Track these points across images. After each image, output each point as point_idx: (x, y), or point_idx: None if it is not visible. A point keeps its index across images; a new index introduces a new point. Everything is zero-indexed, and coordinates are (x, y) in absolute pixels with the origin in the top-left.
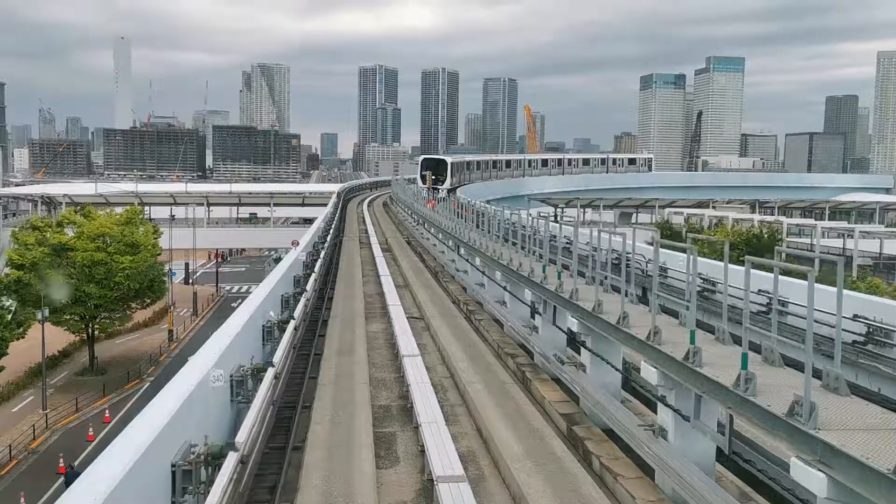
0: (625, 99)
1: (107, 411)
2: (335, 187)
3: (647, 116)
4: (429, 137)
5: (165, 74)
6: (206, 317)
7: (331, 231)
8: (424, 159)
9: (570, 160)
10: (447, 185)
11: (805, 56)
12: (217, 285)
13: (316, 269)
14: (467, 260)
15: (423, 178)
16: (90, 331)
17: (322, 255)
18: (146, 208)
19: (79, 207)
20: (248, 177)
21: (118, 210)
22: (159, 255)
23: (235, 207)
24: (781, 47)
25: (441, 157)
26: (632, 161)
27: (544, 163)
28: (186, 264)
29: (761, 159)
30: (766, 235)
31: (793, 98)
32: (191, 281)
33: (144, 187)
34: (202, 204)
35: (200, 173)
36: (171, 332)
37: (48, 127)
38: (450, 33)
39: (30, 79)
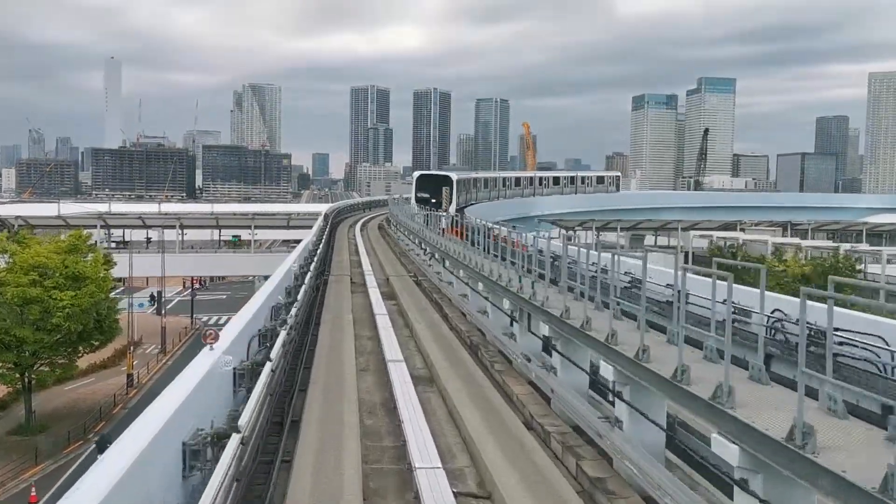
0: (616, 119)
1: (33, 488)
2: (324, 207)
3: (639, 136)
4: (420, 157)
5: (157, 95)
6: (177, 354)
7: (311, 267)
8: (421, 176)
9: (540, 178)
10: (453, 207)
11: (793, 77)
12: (192, 316)
13: (273, 355)
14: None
15: (421, 200)
16: (26, 381)
17: (290, 321)
18: (105, 232)
19: (12, 232)
20: (238, 197)
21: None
22: (114, 288)
23: (216, 230)
24: (770, 69)
25: (444, 172)
26: (600, 180)
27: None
28: (158, 292)
29: (753, 179)
30: (839, 265)
31: (782, 119)
32: (163, 311)
33: (119, 207)
34: (173, 226)
35: (189, 194)
36: (130, 376)
37: (38, 147)
38: (441, 54)
39: (21, 99)
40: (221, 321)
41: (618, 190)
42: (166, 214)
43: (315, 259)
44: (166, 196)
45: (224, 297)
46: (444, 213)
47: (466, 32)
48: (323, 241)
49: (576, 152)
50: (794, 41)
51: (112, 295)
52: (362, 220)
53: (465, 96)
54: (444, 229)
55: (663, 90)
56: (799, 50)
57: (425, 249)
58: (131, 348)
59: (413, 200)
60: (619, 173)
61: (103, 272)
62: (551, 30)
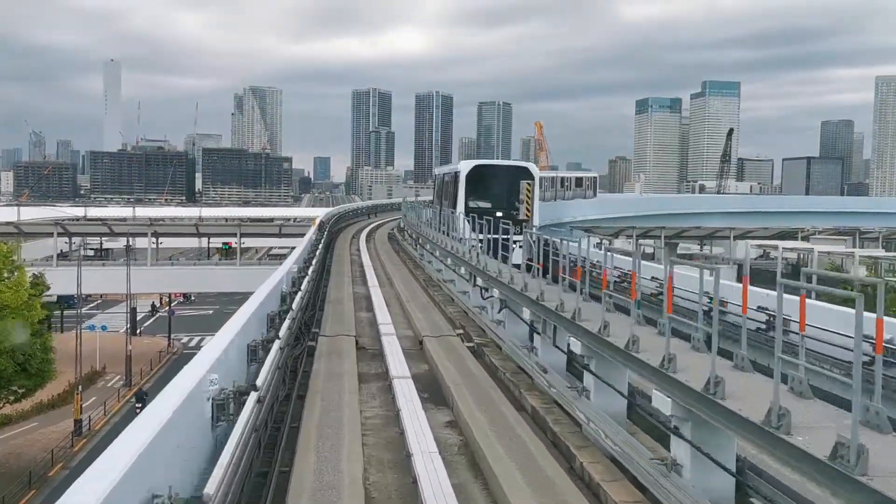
0: (619, 123)
1: None
2: (321, 212)
3: (642, 140)
4: (422, 161)
5: (159, 98)
6: (145, 388)
7: (287, 320)
8: (476, 169)
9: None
10: (536, 219)
11: (797, 81)
12: (169, 337)
13: None
14: None
15: (476, 208)
16: None
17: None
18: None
19: None
20: (238, 200)
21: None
22: (45, 319)
23: (197, 238)
24: (773, 73)
25: (516, 162)
26: (578, 182)
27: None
28: (133, 309)
29: (758, 183)
30: None
31: (785, 123)
32: (138, 331)
33: (97, 212)
34: (145, 234)
35: (189, 197)
36: (78, 422)
37: (39, 150)
38: (444, 58)
39: (23, 102)
40: (204, 342)
41: (595, 194)
42: (139, 220)
43: (302, 291)
44: (165, 199)
45: (210, 311)
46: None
47: (469, 36)
48: (314, 263)
49: (578, 156)
50: (797, 45)
51: (87, 310)
52: (367, 229)
53: (467, 100)
54: (560, 272)
55: (667, 94)
56: (802, 54)
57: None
58: (79, 388)
59: (456, 207)
60: (596, 175)
61: (35, 299)
62: (554, 34)
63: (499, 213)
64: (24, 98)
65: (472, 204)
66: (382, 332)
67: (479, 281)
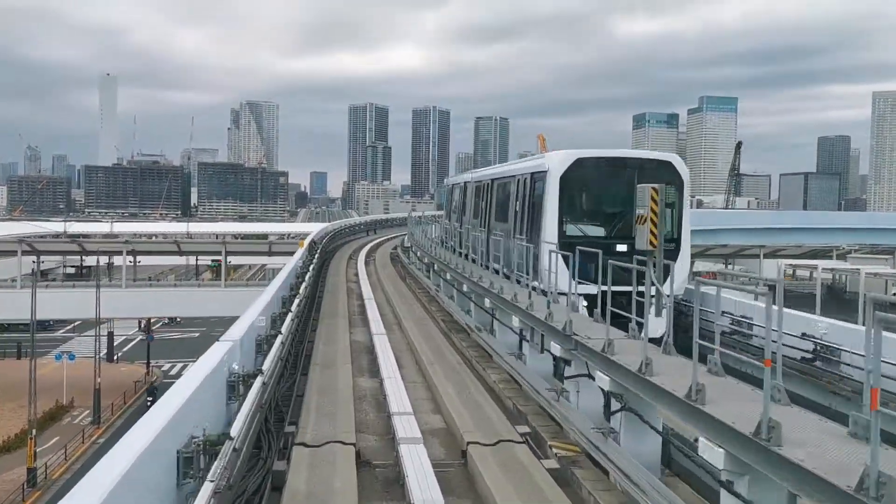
0: (616, 140)
1: None
2: (315, 229)
3: None
4: (419, 176)
5: (157, 114)
6: (116, 425)
7: (241, 418)
8: (578, 165)
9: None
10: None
11: (793, 98)
12: (148, 365)
13: None
14: None
15: (574, 240)
16: None
17: None
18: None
19: None
20: (233, 215)
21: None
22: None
23: (179, 256)
24: (769, 90)
25: (659, 154)
26: None
27: None
28: (109, 334)
29: (756, 199)
30: None
31: (781, 139)
32: (115, 357)
33: (81, 227)
34: (120, 252)
35: (184, 212)
36: (32, 471)
37: (35, 164)
38: (441, 74)
39: (21, 117)
40: (187, 369)
41: None
42: (115, 237)
43: (280, 342)
44: (160, 214)
45: (197, 334)
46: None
47: (466, 53)
48: (298, 299)
49: None
50: (793, 63)
51: (64, 333)
52: (366, 249)
53: (464, 116)
54: None
55: (663, 110)
56: (798, 71)
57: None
58: (33, 431)
59: (541, 232)
60: None
61: None
62: (550, 50)
63: (620, 247)
64: (21, 113)
65: (572, 227)
66: (398, 428)
67: (556, 347)
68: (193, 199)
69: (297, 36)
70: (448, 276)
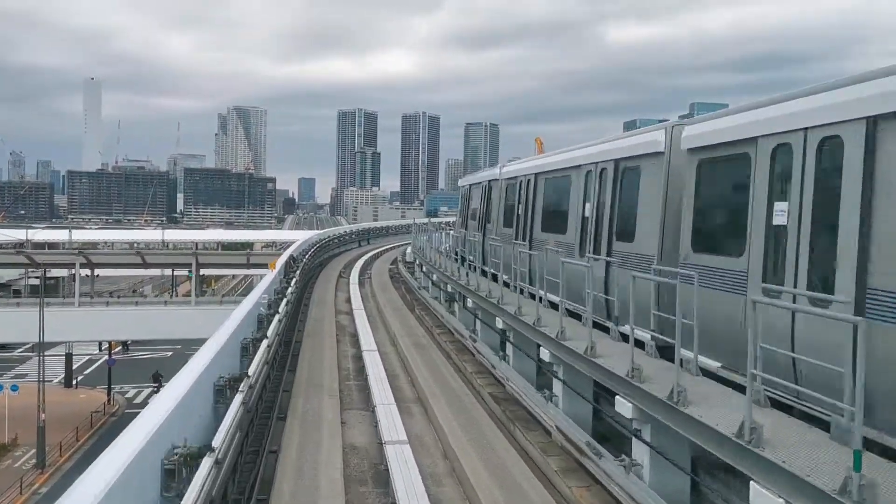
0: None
1: None
2: (301, 237)
3: None
4: (409, 182)
5: (146, 119)
6: (64, 468)
7: None
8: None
9: None
10: None
11: None
12: (109, 392)
13: None
14: None
15: None
16: None
17: None
18: None
19: None
20: (220, 221)
21: None
22: None
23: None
24: (757, 97)
25: None
26: None
27: None
28: (67, 356)
29: None
30: None
31: None
32: (75, 382)
33: (45, 235)
34: (72, 265)
35: (170, 218)
36: None
37: (17, 170)
38: (431, 80)
39: (4, 122)
40: (152, 399)
41: None
42: (64, 248)
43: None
44: (145, 220)
45: (170, 353)
46: None
47: (457, 59)
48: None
49: None
50: (780, 71)
51: (21, 352)
52: (359, 264)
53: (454, 122)
54: None
55: (654, 116)
56: (784, 80)
57: None
58: None
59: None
60: None
61: None
62: (541, 57)
63: None
64: (4, 119)
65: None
66: None
67: None
68: (179, 205)
69: (287, 42)
70: (500, 325)
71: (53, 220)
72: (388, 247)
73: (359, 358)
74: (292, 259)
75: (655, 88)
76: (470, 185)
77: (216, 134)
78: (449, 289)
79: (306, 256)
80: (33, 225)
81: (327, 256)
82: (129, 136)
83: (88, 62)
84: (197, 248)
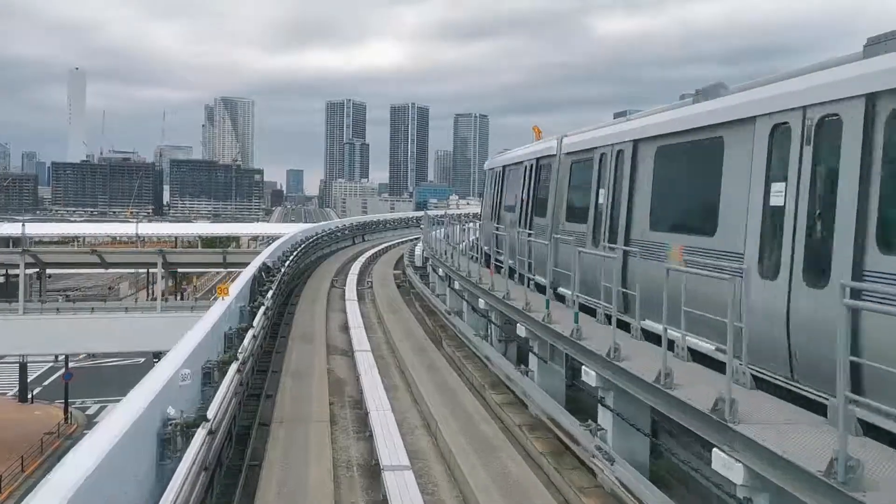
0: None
1: None
2: (288, 231)
3: None
4: (398, 174)
5: (132, 111)
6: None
7: None
8: None
9: None
10: None
11: None
12: (66, 410)
13: None
14: None
15: None
16: None
17: None
18: None
19: None
20: (207, 213)
21: None
22: None
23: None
24: None
25: None
26: None
27: None
28: (22, 366)
29: None
30: None
31: None
32: (30, 396)
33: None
34: (15, 266)
35: (156, 210)
36: None
37: (2, 162)
38: (420, 72)
39: None
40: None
41: None
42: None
43: None
44: (131, 212)
45: (142, 360)
46: None
47: (445, 51)
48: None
49: None
50: (769, 62)
51: None
52: (355, 268)
53: (443, 114)
54: None
55: (644, 107)
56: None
57: None
58: None
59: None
60: None
61: None
62: (530, 49)
63: None
64: None
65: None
66: None
67: None
68: (166, 197)
69: (274, 33)
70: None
71: (38, 211)
72: (387, 244)
73: (374, 475)
74: (263, 272)
75: (644, 80)
76: (504, 167)
77: (203, 125)
78: (522, 333)
79: (288, 261)
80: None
81: (316, 258)
82: (116, 127)
83: (73, 53)
84: (176, 245)
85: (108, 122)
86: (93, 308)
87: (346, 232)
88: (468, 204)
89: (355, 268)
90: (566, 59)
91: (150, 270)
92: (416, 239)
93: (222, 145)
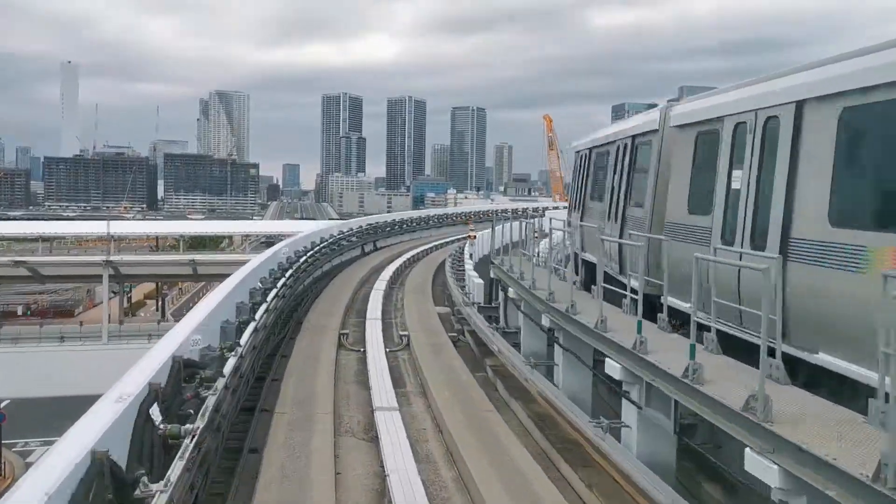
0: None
1: None
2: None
3: None
4: (395, 168)
5: (128, 106)
6: None
7: None
8: None
9: None
10: None
11: None
12: None
13: None
14: None
15: None
16: None
17: None
18: None
19: None
20: (201, 208)
21: None
22: None
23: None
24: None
25: None
26: None
27: None
28: None
29: None
30: None
31: None
32: None
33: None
34: None
35: (150, 205)
36: None
37: None
38: (416, 66)
39: None
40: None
41: None
42: None
43: None
44: (125, 208)
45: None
46: None
47: (442, 45)
48: None
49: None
50: (765, 55)
51: None
52: (374, 306)
53: (440, 108)
54: None
55: (642, 101)
56: (769, 64)
57: None
58: None
59: None
60: None
61: None
62: (527, 43)
63: None
64: None
65: None
66: None
67: None
68: (160, 192)
69: (270, 27)
70: None
71: (30, 207)
72: (411, 254)
73: None
74: (178, 373)
75: (641, 73)
76: (592, 149)
77: (198, 119)
78: None
79: (263, 310)
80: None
81: (312, 290)
82: (111, 122)
83: (67, 48)
84: (157, 246)
85: (103, 117)
86: (15, 339)
87: (353, 238)
88: (466, 198)
89: (374, 303)
90: (563, 52)
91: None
92: (445, 246)
93: (217, 140)
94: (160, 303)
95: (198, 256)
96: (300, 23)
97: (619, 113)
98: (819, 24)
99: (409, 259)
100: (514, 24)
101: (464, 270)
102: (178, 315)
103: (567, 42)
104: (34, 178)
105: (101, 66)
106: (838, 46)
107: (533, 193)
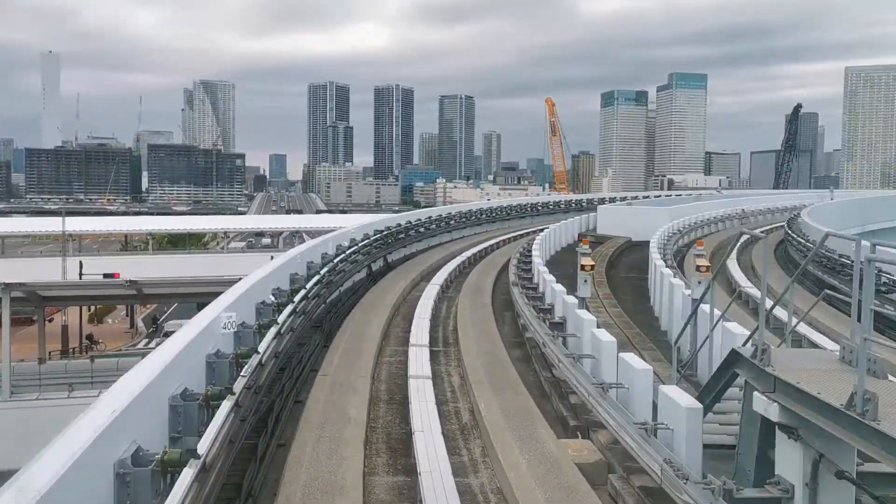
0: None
1: None
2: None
3: (608, 134)
4: (383, 157)
5: (111, 96)
6: None
7: None
8: None
9: None
10: None
11: (755, 77)
12: None
13: None
14: None
15: None
16: None
17: None
18: None
19: None
20: (187, 200)
21: None
22: None
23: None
24: (733, 69)
25: None
26: None
27: None
28: None
29: (727, 177)
30: None
31: (746, 118)
32: None
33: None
34: None
35: (134, 197)
36: None
37: None
38: (404, 55)
39: None
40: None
41: None
42: None
43: None
44: (108, 199)
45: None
46: None
47: (430, 33)
48: None
49: (539, 152)
50: (753, 42)
51: None
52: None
53: (428, 96)
54: None
55: (631, 88)
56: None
57: None
58: None
59: None
60: None
61: None
62: (515, 31)
63: None
64: None
65: None
66: None
67: None
68: (144, 183)
69: (255, 16)
70: None
71: (11, 200)
72: (438, 287)
73: None
74: None
75: (630, 61)
76: None
77: (182, 109)
78: None
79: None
80: None
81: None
82: (94, 113)
83: (49, 38)
84: (126, 244)
85: (87, 108)
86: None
87: (359, 252)
88: (455, 188)
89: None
90: (551, 39)
91: None
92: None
93: (202, 129)
94: (129, 308)
95: (145, 277)
96: (287, 11)
97: (608, 101)
98: (803, 10)
99: (438, 286)
100: (502, 12)
101: None
102: (147, 321)
103: (555, 29)
104: (16, 170)
105: (84, 56)
106: (819, 34)
107: (522, 182)
